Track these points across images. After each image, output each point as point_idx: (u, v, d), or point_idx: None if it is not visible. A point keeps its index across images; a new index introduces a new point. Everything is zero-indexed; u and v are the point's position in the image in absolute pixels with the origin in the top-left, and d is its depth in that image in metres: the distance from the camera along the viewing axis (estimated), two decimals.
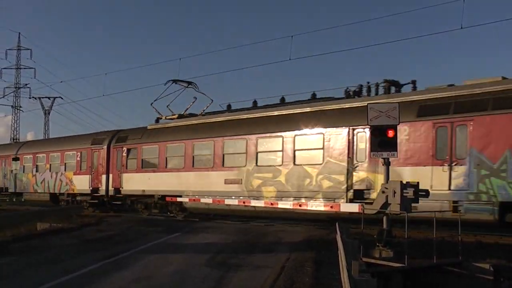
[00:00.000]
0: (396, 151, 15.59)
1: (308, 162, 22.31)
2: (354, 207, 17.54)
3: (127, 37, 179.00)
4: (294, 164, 22.74)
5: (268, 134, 23.92)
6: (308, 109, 23.48)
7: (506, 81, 18.31)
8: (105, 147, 32.11)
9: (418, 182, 15.55)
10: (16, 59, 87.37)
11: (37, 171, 37.56)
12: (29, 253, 17.17)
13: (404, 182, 16.41)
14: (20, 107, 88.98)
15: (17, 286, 11.93)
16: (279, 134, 23.39)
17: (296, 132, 22.78)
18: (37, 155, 37.87)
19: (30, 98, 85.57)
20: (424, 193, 15.75)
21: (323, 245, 17.42)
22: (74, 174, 34.16)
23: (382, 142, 15.70)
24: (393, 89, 22.42)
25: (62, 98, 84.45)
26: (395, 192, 15.12)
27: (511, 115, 17.02)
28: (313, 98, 24.79)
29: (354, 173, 20.86)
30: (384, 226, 15.73)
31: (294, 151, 22.81)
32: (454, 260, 14.93)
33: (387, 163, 16.15)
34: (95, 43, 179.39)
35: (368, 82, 23.18)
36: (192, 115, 30.40)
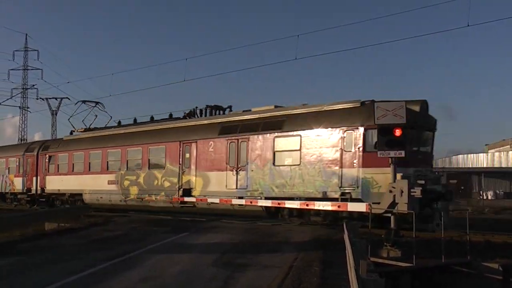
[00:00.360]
0: (404, 150, 15.59)
1: (156, 168, 28.91)
2: (361, 207, 17.52)
3: (133, 37, 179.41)
4: (148, 169, 29.30)
5: (133, 146, 30.56)
6: (159, 127, 30.42)
7: (275, 109, 25.09)
8: (35, 154, 38.07)
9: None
10: (23, 60, 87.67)
11: None
12: (37, 253, 17.11)
13: (209, 184, 25.77)
14: (28, 108, 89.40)
15: (24, 285, 11.94)
16: (139, 146, 30.05)
17: (149, 145, 29.41)
18: None
19: (37, 99, 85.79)
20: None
21: (330, 245, 17.32)
22: (15, 176, 40.05)
23: (389, 142, 15.66)
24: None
25: (69, 99, 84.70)
26: (402, 192, 15.10)
27: (272, 134, 23.46)
28: (170, 118, 31.59)
29: (183, 176, 27.18)
30: (392, 225, 15.70)
31: (148, 159, 29.43)
32: (463, 260, 14.89)
33: (394, 162, 16.10)
34: (101, 44, 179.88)
35: (196, 107, 30.42)
36: (96, 129, 36.86)
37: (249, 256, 15.33)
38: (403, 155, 15.75)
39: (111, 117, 38.43)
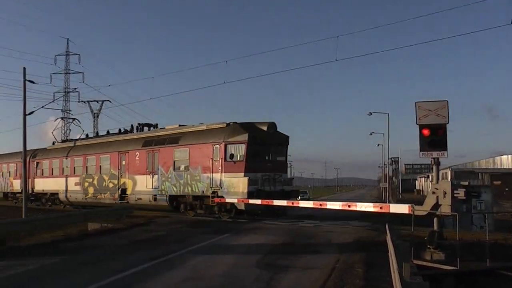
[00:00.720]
0: (446, 150, 15.41)
1: (105, 172, 36.74)
2: (404, 208, 17.35)
3: (174, 39, 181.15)
4: (100, 173, 37.34)
5: (90, 155, 38.70)
6: (107, 140, 38.94)
7: (178, 128, 33.43)
8: (28, 160, 43.01)
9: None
10: (65, 64, 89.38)
11: None
12: (80, 252, 17.46)
13: (136, 185, 33.56)
14: (70, 110, 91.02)
15: (68, 285, 12.03)
16: (94, 155, 38.27)
17: (100, 154, 37.58)
18: None
19: (79, 102, 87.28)
20: (476, 193, 15.61)
21: (373, 247, 17.21)
22: (13, 179, 48.90)
23: (432, 142, 15.45)
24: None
25: (110, 102, 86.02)
26: (445, 193, 14.87)
27: (172, 147, 31.22)
28: (118, 133, 39.87)
29: (121, 179, 35.07)
30: (435, 227, 15.48)
31: (100, 165, 37.45)
32: (508, 264, 14.59)
33: (437, 163, 15.88)
34: (142, 47, 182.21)
35: (132, 125, 39.13)
36: (70, 140, 46.03)
37: (291, 258, 15.33)
38: (446, 155, 15.53)
39: (83, 130, 48.56)
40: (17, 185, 47.72)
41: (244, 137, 27.43)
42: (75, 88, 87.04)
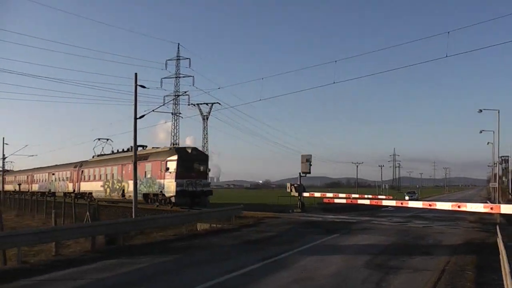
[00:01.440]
0: None
1: (115, 178, 51.10)
2: None
3: (281, 42, 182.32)
4: (112, 179, 51.86)
5: (107, 166, 54.02)
6: (117, 156, 54.73)
7: (151, 149, 50.19)
8: (77, 168, 62.32)
9: None
10: (175, 69, 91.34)
11: (58, 180, 68.96)
12: (191, 252, 17.99)
13: (129, 187, 48.52)
14: (180, 113, 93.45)
15: (179, 284, 12.43)
16: (109, 166, 53.45)
17: (113, 166, 52.96)
18: (57, 172, 69.61)
19: (189, 105, 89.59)
20: None
21: (484, 249, 16.80)
22: (68, 182, 64.42)
23: None
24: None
25: (220, 104, 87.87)
26: None
27: (145, 162, 45.60)
28: (127, 151, 54.05)
29: (122, 183, 49.31)
30: None
31: (112, 173, 52.22)
32: None
33: None
34: (249, 49, 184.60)
35: (131, 146, 50.33)
36: (103, 155, 61.01)
37: (401, 259, 15.33)
38: None
39: (112, 147, 62.40)
40: (71, 187, 63.71)
41: (175, 157, 42.65)
42: (185, 92, 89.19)
